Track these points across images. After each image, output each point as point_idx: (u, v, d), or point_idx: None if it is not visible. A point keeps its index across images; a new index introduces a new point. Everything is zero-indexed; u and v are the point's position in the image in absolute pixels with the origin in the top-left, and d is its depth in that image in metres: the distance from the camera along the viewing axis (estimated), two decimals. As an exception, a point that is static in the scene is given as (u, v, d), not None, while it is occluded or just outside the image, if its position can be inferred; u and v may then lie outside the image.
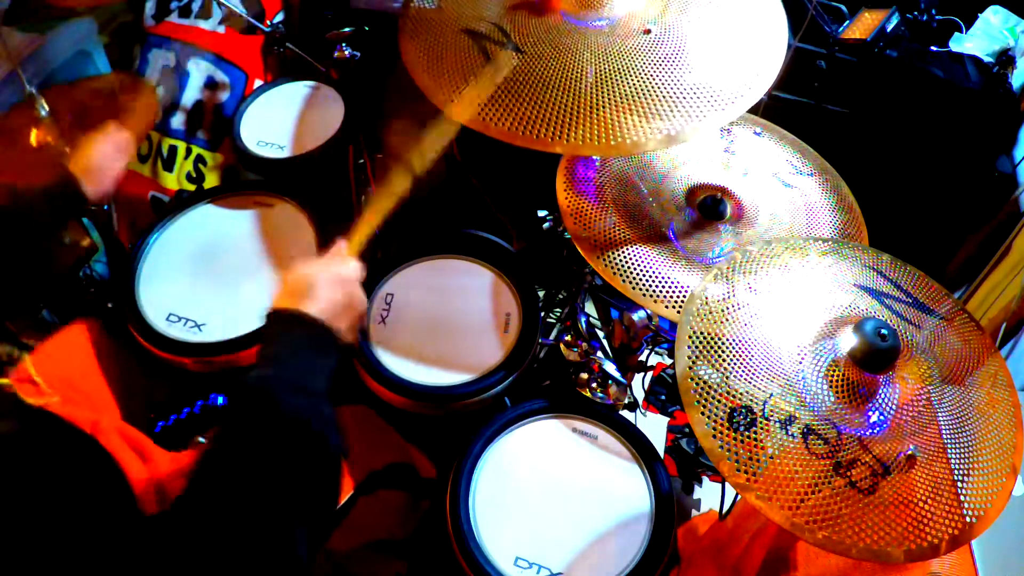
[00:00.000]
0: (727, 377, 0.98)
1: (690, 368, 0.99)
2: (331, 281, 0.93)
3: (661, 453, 1.36)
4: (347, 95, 1.78)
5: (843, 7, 2.05)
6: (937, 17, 2.05)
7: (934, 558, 0.90)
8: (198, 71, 2.07)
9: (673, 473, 1.80)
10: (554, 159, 1.40)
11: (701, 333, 1.03)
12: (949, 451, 0.96)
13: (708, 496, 1.81)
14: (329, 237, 1.49)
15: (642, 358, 1.49)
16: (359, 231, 1.06)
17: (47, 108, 1.46)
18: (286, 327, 0.88)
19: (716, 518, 1.29)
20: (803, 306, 1.08)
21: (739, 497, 1.22)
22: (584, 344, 1.47)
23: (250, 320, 1.37)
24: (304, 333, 0.88)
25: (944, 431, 0.98)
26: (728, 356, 1.00)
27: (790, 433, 0.94)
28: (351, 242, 1.04)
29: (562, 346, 1.48)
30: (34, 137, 1.45)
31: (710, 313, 1.06)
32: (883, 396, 0.99)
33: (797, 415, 0.95)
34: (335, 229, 1.51)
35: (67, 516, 0.69)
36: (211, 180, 2.09)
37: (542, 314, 1.46)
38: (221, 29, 2.06)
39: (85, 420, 1.13)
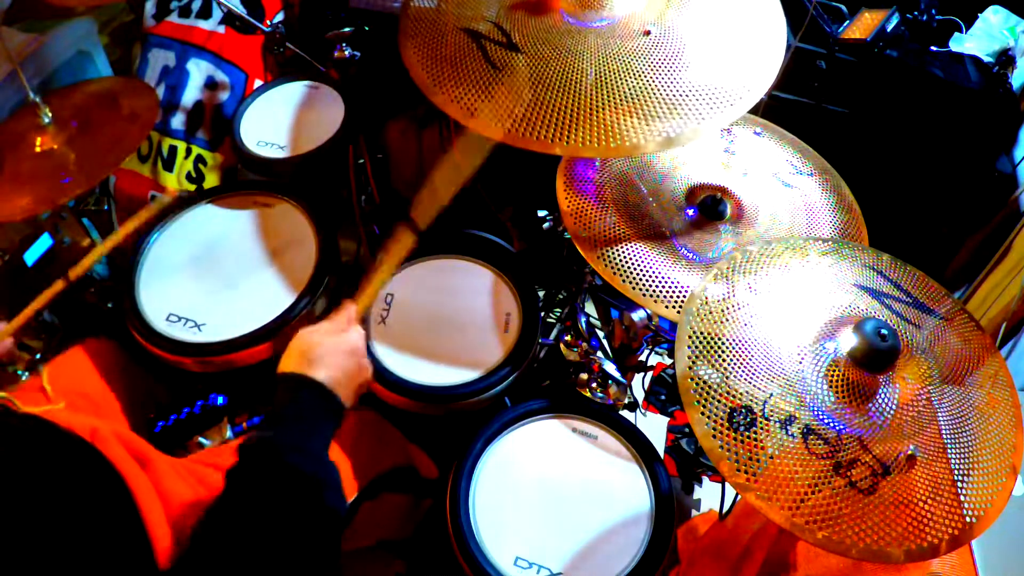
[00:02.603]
0: (727, 377, 0.98)
1: (690, 368, 0.99)
2: (339, 348, 0.95)
3: (661, 453, 1.36)
4: (347, 95, 1.78)
5: (843, 7, 2.05)
6: (937, 17, 2.04)
7: (934, 558, 0.90)
8: (198, 71, 2.07)
9: (673, 473, 1.80)
10: (554, 159, 1.40)
11: (701, 333, 1.03)
12: (949, 451, 0.96)
13: (708, 496, 1.81)
14: (329, 238, 1.50)
15: (642, 358, 1.49)
16: (367, 294, 1.07)
17: (50, 115, 1.46)
18: (293, 390, 0.90)
19: (716, 518, 1.29)
20: (803, 306, 1.08)
21: (739, 497, 1.22)
22: (584, 344, 1.47)
23: (250, 320, 1.37)
24: (310, 397, 0.89)
25: (944, 431, 0.98)
26: (728, 356, 1.00)
27: (790, 433, 0.94)
28: (359, 305, 1.05)
29: (562, 346, 1.48)
30: (38, 144, 1.45)
31: (710, 313, 1.06)
32: (883, 396, 0.99)
33: (797, 415, 0.95)
34: (336, 232, 1.52)
35: (68, 524, 0.69)
36: (211, 180, 2.09)
37: (542, 314, 1.46)
38: (221, 29, 2.06)
39: (84, 428, 1.13)
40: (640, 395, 1.72)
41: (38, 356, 1.36)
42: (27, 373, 1.27)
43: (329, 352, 0.93)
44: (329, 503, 0.82)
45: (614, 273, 1.24)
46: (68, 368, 1.30)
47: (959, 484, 0.93)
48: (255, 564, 0.73)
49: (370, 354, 1.36)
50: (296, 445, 0.84)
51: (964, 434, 0.98)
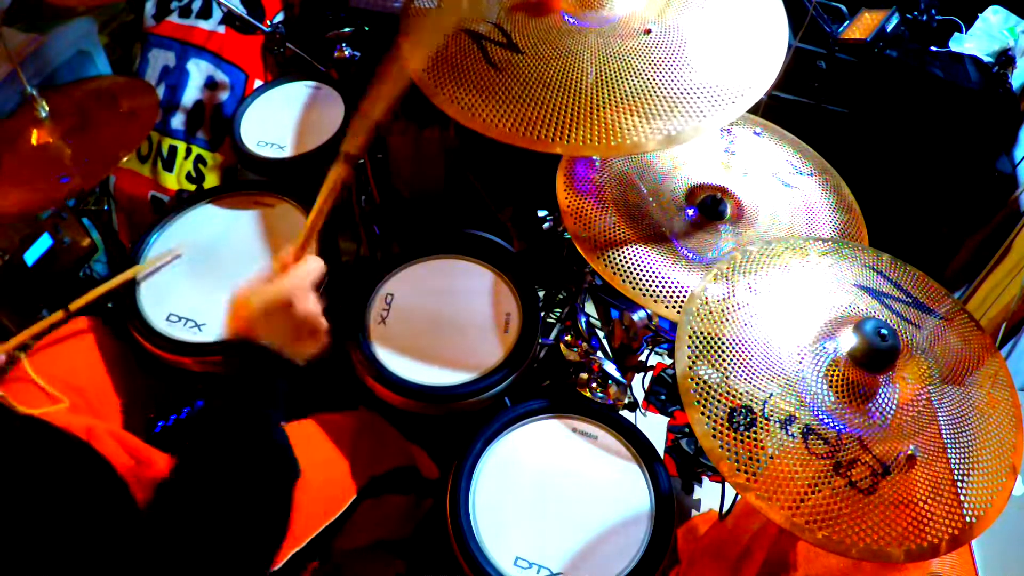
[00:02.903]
0: (727, 377, 0.98)
1: (690, 368, 0.99)
2: (277, 305, 0.90)
3: (661, 453, 1.36)
4: (347, 95, 1.78)
5: (843, 7, 2.05)
6: (937, 17, 2.04)
7: (934, 558, 0.90)
8: (198, 71, 2.07)
9: (673, 473, 1.80)
10: (554, 159, 1.40)
11: (701, 333, 1.03)
12: (949, 451, 0.96)
13: (708, 496, 1.81)
14: (329, 237, 1.50)
15: (642, 358, 1.49)
16: (306, 226, 0.99)
17: (47, 109, 1.46)
18: (236, 355, 0.88)
19: (716, 518, 1.29)
20: (803, 306, 1.08)
21: (739, 497, 1.22)
22: (584, 344, 1.47)
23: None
24: (253, 361, 0.88)
25: (944, 431, 0.98)
26: (728, 356, 1.00)
27: (790, 433, 0.94)
28: (296, 243, 0.98)
29: (562, 346, 1.48)
30: (35, 137, 1.45)
31: (710, 313, 1.06)
32: (883, 396, 0.99)
33: (797, 415, 0.95)
34: (336, 232, 1.52)
35: (65, 524, 0.69)
36: (211, 180, 2.09)
37: (542, 314, 1.46)
38: (221, 29, 2.06)
39: (80, 426, 1.13)
40: (640, 395, 1.72)
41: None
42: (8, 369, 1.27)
43: (266, 308, 0.90)
44: (279, 472, 0.83)
45: (614, 273, 1.24)
46: (55, 357, 1.30)
47: (959, 484, 0.93)
48: (210, 529, 0.75)
49: (371, 354, 1.36)
50: (243, 410, 0.84)
51: (964, 434, 0.98)
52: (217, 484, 0.79)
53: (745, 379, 0.98)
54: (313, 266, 0.96)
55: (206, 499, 0.77)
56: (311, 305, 0.93)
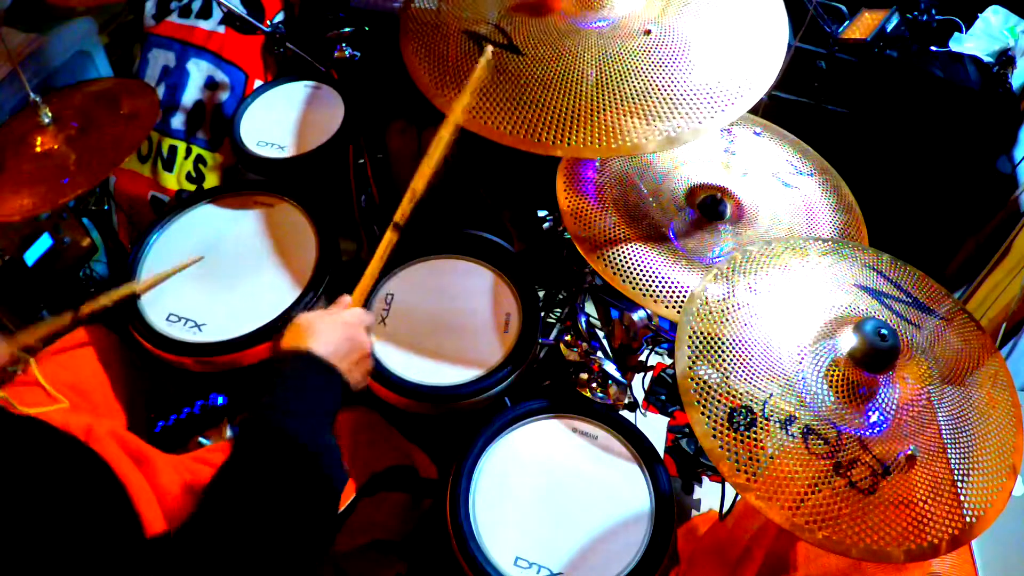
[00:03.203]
0: (727, 377, 0.98)
1: (690, 368, 0.99)
2: (336, 325, 0.96)
3: (661, 453, 1.36)
4: (347, 95, 1.78)
5: (843, 7, 2.05)
6: (937, 17, 2.04)
7: (934, 558, 0.90)
8: (198, 71, 2.07)
9: (673, 473, 1.80)
10: (554, 159, 1.40)
11: (701, 333, 1.03)
12: (949, 451, 0.96)
13: (708, 496, 1.81)
14: (329, 237, 1.50)
15: (642, 358, 1.49)
16: (363, 280, 1.07)
17: (50, 115, 1.46)
18: (293, 364, 0.90)
19: (716, 518, 1.29)
20: (803, 306, 1.08)
21: (739, 497, 1.22)
22: (584, 344, 1.47)
23: (250, 320, 1.37)
24: (306, 368, 0.90)
25: (944, 431, 0.98)
26: (728, 356, 1.00)
27: (790, 433, 0.94)
28: (355, 293, 1.06)
29: (562, 346, 1.48)
30: (38, 144, 1.45)
31: (710, 313, 1.06)
32: (883, 396, 0.99)
33: (797, 415, 0.95)
34: (336, 232, 1.52)
35: (64, 525, 0.69)
36: (211, 180, 2.09)
37: (542, 314, 1.46)
38: (221, 29, 2.06)
39: (79, 427, 1.13)
40: (640, 395, 1.72)
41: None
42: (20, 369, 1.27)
43: (327, 328, 0.94)
44: (326, 470, 0.82)
45: (614, 273, 1.24)
46: (62, 360, 1.30)
47: (959, 484, 0.93)
48: (251, 529, 0.74)
49: (371, 354, 1.36)
50: (292, 411, 0.84)
51: (964, 434, 0.98)
52: (265, 481, 0.78)
53: (745, 379, 0.98)
54: (368, 313, 1.05)
55: (252, 496, 0.76)
56: (367, 339, 1.01)
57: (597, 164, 1.41)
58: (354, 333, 0.98)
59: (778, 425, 0.94)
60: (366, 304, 1.44)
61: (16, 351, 1.23)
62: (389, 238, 1.07)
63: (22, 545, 0.66)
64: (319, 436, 0.84)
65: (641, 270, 1.25)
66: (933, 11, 2.03)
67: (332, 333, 0.94)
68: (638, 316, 1.40)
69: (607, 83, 1.14)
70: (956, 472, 0.94)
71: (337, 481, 0.84)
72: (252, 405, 0.85)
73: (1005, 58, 1.95)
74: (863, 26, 1.96)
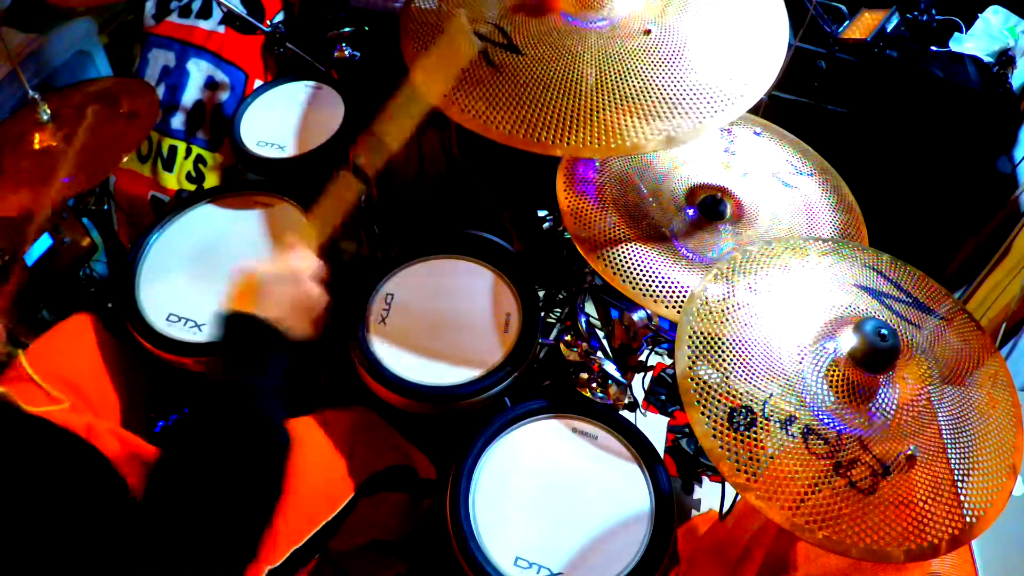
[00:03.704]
0: (727, 377, 0.98)
1: (690, 368, 0.99)
2: (283, 281, 0.93)
3: (661, 453, 1.36)
4: (347, 95, 1.78)
5: (843, 7, 2.05)
6: (937, 17, 2.04)
7: (934, 558, 0.90)
8: (198, 71, 2.07)
9: (673, 473, 1.80)
10: (554, 159, 1.40)
11: (701, 333, 1.03)
12: (949, 451, 0.96)
13: (708, 496, 1.81)
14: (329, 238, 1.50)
15: (642, 358, 1.49)
16: (318, 222, 1.04)
17: (48, 112, 1.46)
18: (238, 330, 0.90)
19: (716, 518, 1.29)
20: (803, 306, 1.08)
21: (739, 497, 1.22)
22: (584, 344, 1.47)
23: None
24: (255, 336, 0.89)
25: (944, 431, 0.98)
26: (728, 356, 1.00)
27: (790, 433, 0.94)
28: (307, 235, 1.02)
29: (562, 346, 1.48)
30: (37, 141, 1.45)
31: (710, 313, 1.06)
32: (883, 396, 0.99)
33: (797, 415, 0.95)
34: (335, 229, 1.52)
35: (64, 520, 0.69)
36: (211, 180, 2.09)
37: (542, 314, 1.46)
38: (221, 29, 2.06)
39: (80, 425, 1.13)
40: (640, 395, 1.71)
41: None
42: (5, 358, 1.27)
43: (271, 285, 0.92)
44: (274, 436, 0.84)
45: (614, 273, 1.24)
46: (53, 354, 1.30)
47: (959, 484, 0.93)
48: (202, 494, 0.77)
49: (371, 354, 1.36)
50: (244, 386, 0.85)
51: (964, 434, 0.98)
52: (209, 456, 0.80)
53: (745, 379, 0.98)
54: (313, 257, 1.00)
55: (200, 470, 0.79)
56: (313, 284, 0.97)
57: (597, 164, 1.41)
58: (304, 288, 0.95)
59: (778, 425, 0.94)
60: (369, 304, 1.45)
61: (13, 350, 1.23)
62: (349, 183, 1.03)
63: (23, 538, 0.66)
64: (268, 405, 0.86)
65: (641, 270, 1.25)
66: (933, 11, 2.03)
67: (280, 290, 0.92)
68: (638, 316, 1.40)
69: (607, 83, 1.14)
70: (956, 472, 0.94)
71: (281, 453, 0.85)
72: (206, 382, 0.86)
73: (1005, 58, 1.95)
74: (863, 26, 1.96)
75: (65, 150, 1.44)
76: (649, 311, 1.36)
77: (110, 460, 0.90)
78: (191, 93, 2.07)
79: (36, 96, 1.45)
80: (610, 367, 1.41)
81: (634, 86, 1.14)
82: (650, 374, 1.70)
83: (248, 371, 0.87)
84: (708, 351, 1.01)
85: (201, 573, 0.75)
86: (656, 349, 1.55)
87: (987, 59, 1.96)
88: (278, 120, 1.76)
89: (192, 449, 0.81)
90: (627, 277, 1.24)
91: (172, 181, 2.08)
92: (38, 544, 0.66)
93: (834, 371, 1.00)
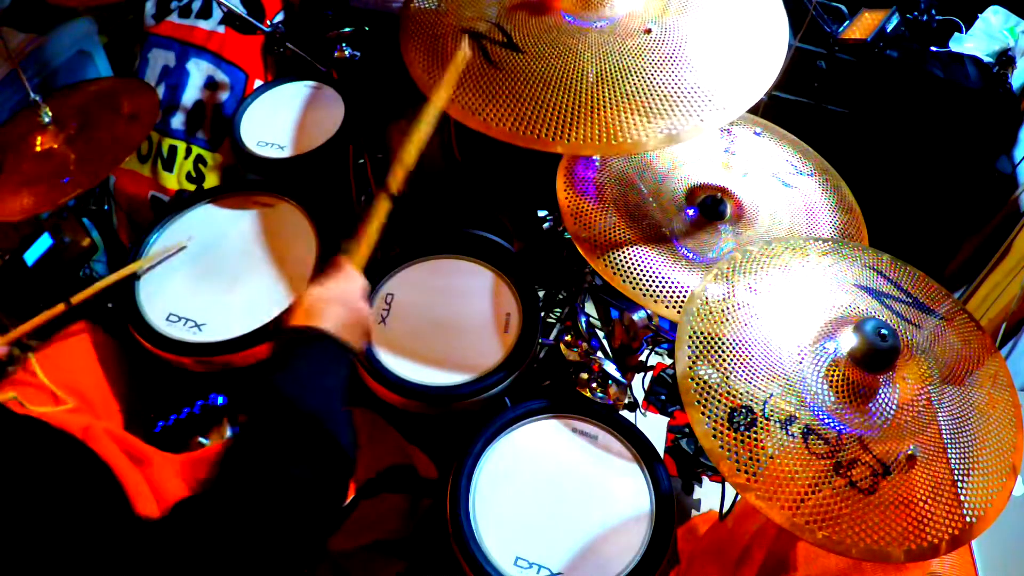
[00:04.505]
0: (727, 377, 0.98)
1: (690, 368, 0.99)
2: (339, 300, 0.99)
3: (661, 453, 1.36)
4: (347, 95, 1.78)
5: (843, 7, 2.05)
6: (937, 17, 2.04)
7: (934, 558, 0.90)
8: (198, 71, 2.07)
9: (673, 473, 1.80)
10: (554, 159, 1.40)
11: (701, 333, 1.03)
12: (949, 451, 0.96)
13: (708, 496, 1.81)
14: (329, 237, 1.50)
15: (642, 358, 1.49)
16: (361, 245, 1.09)
17: (50, 114, 1.46)
18: (302, 343, 0.94)
19: (716, 518, 1.29)
20: (803, 306, 1.08)
21: (739, 497, 1.22)
22: (584, 344, 1.47)
23: (250, 320, 1.37)
24: (318, 346, 0.93)
25: (944, 431, 0.98)
26: (728, 356, 1.00)
27: (790, 433, 0.94)
28: (354, 258, 1.08)
29: (562, 346, 1.48)
30: (39, 143, 1.45)
31: (710, 313, 1.06)
32: (883, 396, 0.99)
33: (797, 415, 0.95)
34: (336, 232, 1.52)
35: (60, 522, 0.69)
36: (211, 180, 2.09)
37: (542, 314, 1.46)
38: (221, 29, 2.06)
39: (77, 426, 1.13)
40: (640, 395, 1.71)
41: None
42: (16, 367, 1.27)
43: (331, 304, 0.98)
44: (336, 437, 0.85)
45: (614, 273, 1.24)
46: (60, 360, 1.30)
47: (959, 484, 0.93)
48: (266, 495, 0.76)
49: (370, 354, 1.36)
50: (310, 388, 0.88)
51: (964, 434, 0.98)
52: (279, 454, 0.80)
53: (745, 379, 0.98)
54: (359, 276, 1.06)
55: (266, 469, 0.79)
56: (363, 302, 1.03)
57: (597, 163, 1.41)
58: (358, 305, 1.01)
59: (778, 425, 0.94)
60: (370, 304, 1.45)
61: (12, 347, 1.23)
62: (384, 205, 1.09)
63: (17, 540, 0.66)
64: (332, 410, 0.88)
65: (641, 270, 1.25)
66: (933, 11, 2.03)
67: (338, 308, 0.98)
68: (638, 316, 1.40)
69: (607, 81, 1.14)
70: (956, 472, 0.94)
71: (348, 447, 0.87)
72: (265, 381, 0.87)
73: (1005, 58, 1.95)
74: (863, 26, 1.96)
75: (67, 152, 1.44)
76: (649, 311, 1.36)
77: (104, 460, 0.90)
78: (191, 93, 2.07)
79: (38, 98, 1.45)
80: (610, 367, 1.41)
81: (634, 85, 1.14)
82: (650, 374, 1.70)
83: (315, 378, 0.89)
84: (708, 351, 1.01)
85: None
86: (656, 349, 1.55)
87: (987, 59, 1.96)
88: (278, 120, 1.76)
89: (256, 456, 0.80)
90: (627, 277, 1.24)
91: (172, 181, 2.08)
92: (32, 548, 0.66)
93: (834, 371, 1.00)
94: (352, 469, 0.87)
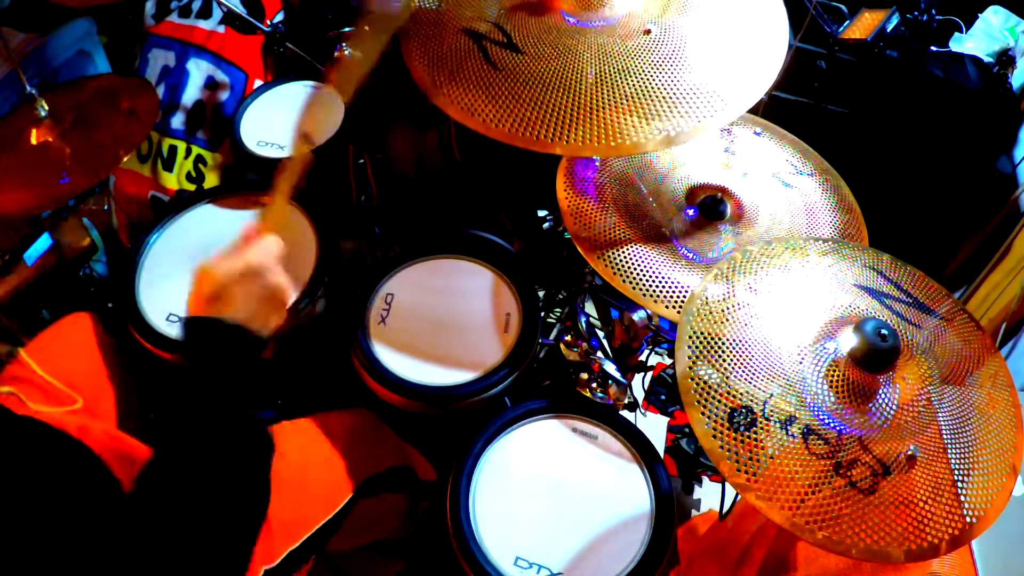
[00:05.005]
0: (727, 377, 0.98)
1: (690, 368, 0.99)
2: (245, 277, 0.90)
3: (661, 453, 1.36)
4: (347, 95, 1.78)
5: (843, 7, 2.05)
6: (937, 17, 2.04)
7: (934, 558, 0.90)
8: (198, 71, 2.07)
9: (673, 473, 1.80)
10: (554, 159, 1.40)
11: (701, 333, 1.03)
12: (949, 451, 0.96)
13: (708, 496, 1.81)
14: (330, 237, 1.50)
15: (642, 358, 1.49)
16: (275, 201, 1.01)
17: (46, 108, 1.46)
18: (204, 333, 0.88)
19: (716, 518, 1.29)
20: (803, 306, 1.08)
21: (739, 497, 1.22)
22: (584, 344, 1.47)
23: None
24: (217, 338, 0.87)
25: (944, 431, 0.98)
26: (728, 356, 1.00)
27: (790, 433, 0.94)
28: (267, 218, 0.99)
29: (562, 346, 1.48)
30: (34, 137, 1.45)
31: (710, 313, 1.06)
32: (883, 396, 0.99)
33: (797, 415, 0.95)
34: (336, 232, 1.52)
35: (58, 521, 0.69)
36: (211, 180, 2.09)
37: (542, 314, 1.46)
38: (221, 29, 2.06)
39: (73, 425, 1.13)
40: (640, 395, 1.71)
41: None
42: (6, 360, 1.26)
43: (233, 284, 0.89)
44: (253, 434, 0.83)
45: (614, 273, 1.24)
46: (53, 353, 1.29)
47: (959, 484, 0.93)
48: (186, 501, 0.75)
49: (371, 353, 1.36)
50: (217, 389, 0.84)
51: (964, 434, 0.98)
52: (194, 463, 0.78)
53: (745, 379, 0.98)
54: (275, 241, 0.96)
55: (185, 478, 0.77)
56: (279, 275, 0.93)
57: (597, 163, 1.41)
58: (267, 280, 0.92)
59: (778, 425, 0.94)
60: (370, 304, 1.45)
61: (13, 349, 1.23)
62: (302, 156, 1.01)
63: (15, 539, 0.66)
64: (241, 402, 0.85)
65: (641, 270, 1.25)
66: (933, 11, 2.03)
67: (243, 289, 0.89)
68: (638, 316, 1.40)
69: (607, 82, 1.14)
70: (956, 472, 0.94)
71: (264, 451, 0.84)
72: (177, 383, 0.85)
73: (1005, 58, 1.95)
74: (863, 26, 1.96)
75: (63, 147, 1.44)
76: (649, 311, 1.36)
77: (103, 460, 0.90)
78: (191, 93, 2.07)
79: (34, 92, 1.45)
80: (610, 367, 1.41)
81: (634, 85, 1.14)
82: (650, 374, 1.70)
83: (219, 374, 0.85)
84: (708, 351, 1.01)
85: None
86: (656, 349, 1.55)
87: (987, 59, 1.96)
88: (278, 120, 1.76)
89: (177, 451, 0.79)
90: (627, 277, 1.24)
91: (172, 181, 2.08)
92: (29, 544, 0.66)
93: (834, 371, 1.00)
94: (268, 467, 0.84)
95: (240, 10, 1.78)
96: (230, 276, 0.89)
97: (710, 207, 1.35)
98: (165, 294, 1.43)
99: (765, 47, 1.20)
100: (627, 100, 1.12)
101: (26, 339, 1.30)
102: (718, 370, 0.99)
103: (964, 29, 2.06)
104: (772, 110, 1.59)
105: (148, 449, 1.16)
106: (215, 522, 0.77)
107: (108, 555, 0.69)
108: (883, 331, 0.98)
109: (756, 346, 1.02)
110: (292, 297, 0.96)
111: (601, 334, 1.68)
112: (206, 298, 0.88)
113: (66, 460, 0.82)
